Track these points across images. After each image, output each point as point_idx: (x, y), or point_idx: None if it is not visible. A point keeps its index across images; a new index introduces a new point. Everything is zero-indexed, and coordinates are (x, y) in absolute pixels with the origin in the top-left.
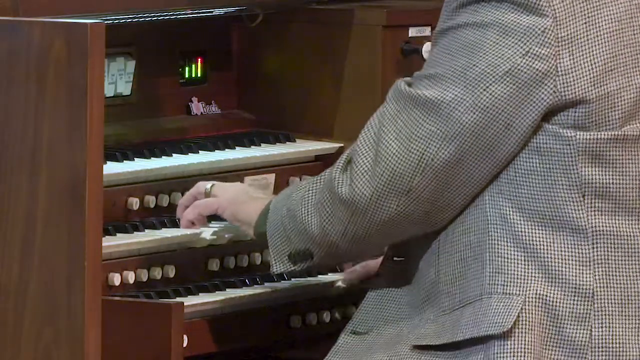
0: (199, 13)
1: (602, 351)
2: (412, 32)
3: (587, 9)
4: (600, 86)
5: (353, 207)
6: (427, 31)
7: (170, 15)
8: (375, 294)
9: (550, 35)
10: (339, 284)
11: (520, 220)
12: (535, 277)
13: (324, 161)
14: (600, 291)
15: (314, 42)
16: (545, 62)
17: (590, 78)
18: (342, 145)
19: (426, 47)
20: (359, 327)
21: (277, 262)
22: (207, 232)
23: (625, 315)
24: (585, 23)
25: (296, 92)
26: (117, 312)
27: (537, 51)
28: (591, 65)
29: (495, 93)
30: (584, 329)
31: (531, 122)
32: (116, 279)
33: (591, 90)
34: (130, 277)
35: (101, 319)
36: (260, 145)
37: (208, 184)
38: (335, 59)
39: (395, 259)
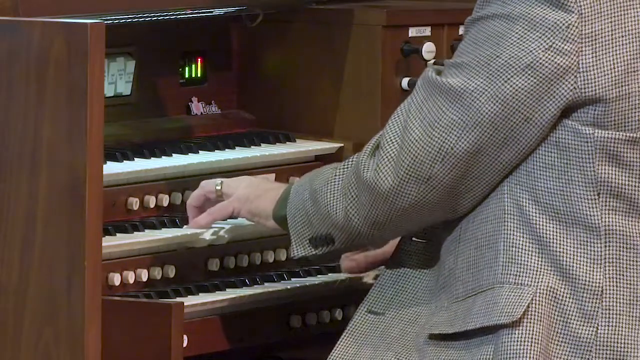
0: (199, 13)
1: (606, 350)
2: (412, 32)
3: (614, 8)
4: (621, 86)
5: (375, 192)
6: (427, 31)
7: (170, 15)
8: (391, 272)
9: (575, 31)
10: (367, 280)
11: (535, 212)
12: (547, 269)
13: (324, 161)
14: (610, 290)
15: (314, 42)
16: (567, 57)
17: (612, 77)
18: (342, 145)
19: (426, 47)
20: (375, 306)
21: (297, 246)
22: (207, 232)
23: (632, 316)
24: (611, 22)
25: (296, 92)
26: (117, 312)
27: (559, 46)
28: (613, 64)
29: (516, 85)
30: (590, 326)
31: (550, 117)
32: (116, 279)
33: (611, 89)
34: (130, 277)
35: (101, 319)
36: (260, 145)
37: (217, 182)
38: (335, 59)
39: (414, 239)
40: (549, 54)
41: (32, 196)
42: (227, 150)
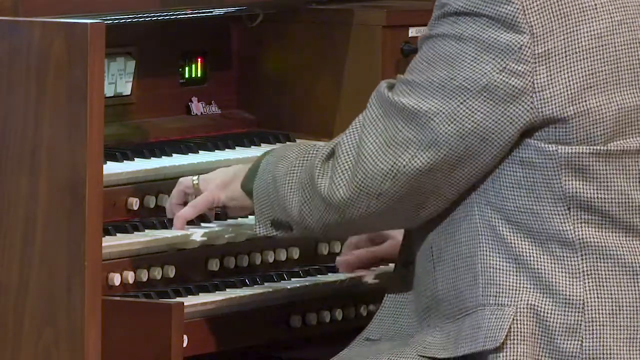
0: (199, 13)
1: None
2: (412, 32)
3: (567, 25)
4: (579, 103)
5: (328, 201)
6: None
7: (170, 15)
8: (391, 302)
9: (527, 51)
10: (367, 280)
11: (509, 232)
12: (526, 287)
13: None
14: (591, 302)
15: (314, 42)
16: (521, 78)
17: (568, 95)
18: None
19: None
20: (373, 334)
21: (260, 224)
22: (207, 233)
23: (616, 326)
24: (564, 39)
25: (296, 92)
26: (117, 312)
27: (513, 67)
28: (569, 82)
29: (472, 107)
30: (575, 340)
31: (509, 138)
32: (116, 279)
33: (568, 107)
34: (130, 277)
35: (101, 319)
36: (260, 145)
37: (194, 177)
38: (335, 59)
39: (407, 262)
40: (503, 76)
41: (32, 196)
42: (227, 150)
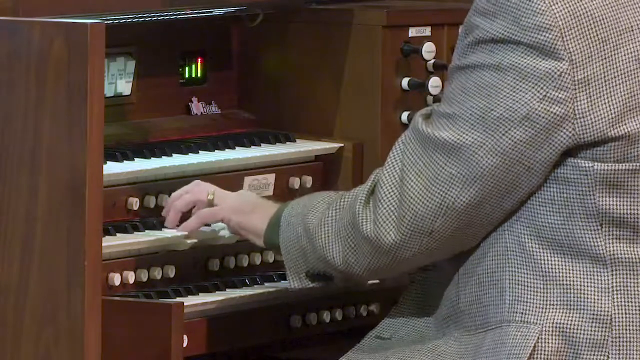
0: (199, 13)
1: None
2: (412, 32)
3: (605, 49)
4: (619, 126)
5: (377, 246)
6: (427, 31)
7: (170, 15)
8: (406, 304)
9: (567, 78)
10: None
11: (538, 248)
12: (553, 305)
13: (324, 161)
14: (619, 318)
15: (314, 42)
16: (562, 105)
17: (609, 119)
18: (342, 145)
19: (426, 47)
20: (384, 333)
21: (294, 278)
22: (199, 234)
23: None
24: (603, 64)
25: (296, 92)
26: (117, 312)
27: (554, 95)
28: (609, 106)
29: (515, 137)
30: (601, 356)
31: (550, 162)
32: (116, 279)
33: (609, 131)
34: (130, 277)
35: (101, 319)
36: (260, 145)
37: (210, 190)
38: (335, 59)
39: (427, 267)
40: (544, 104)
41: (32, 196)
42: (227, 150)
